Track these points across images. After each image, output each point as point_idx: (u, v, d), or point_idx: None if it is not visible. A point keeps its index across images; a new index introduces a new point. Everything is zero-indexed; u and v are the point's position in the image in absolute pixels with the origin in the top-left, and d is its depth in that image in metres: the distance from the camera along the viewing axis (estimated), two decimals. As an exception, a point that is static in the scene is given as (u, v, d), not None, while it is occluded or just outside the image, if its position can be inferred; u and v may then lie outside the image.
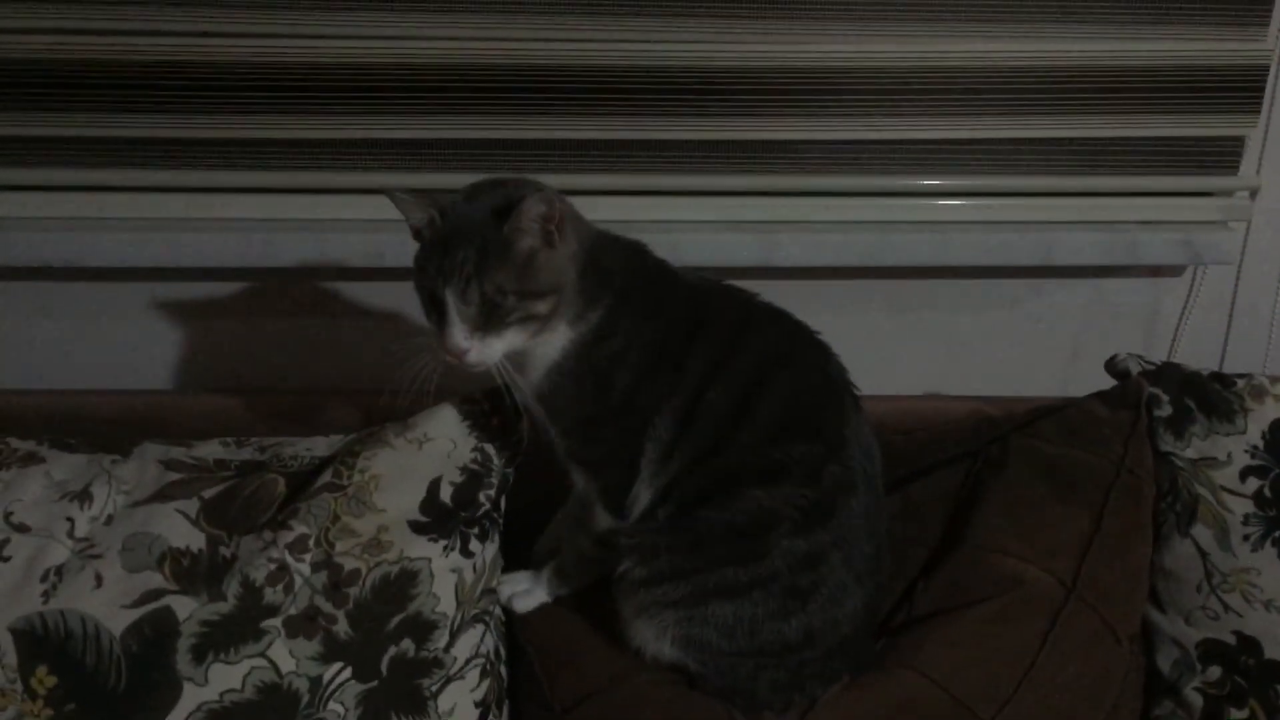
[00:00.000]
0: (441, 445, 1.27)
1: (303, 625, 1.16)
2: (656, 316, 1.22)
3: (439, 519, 1.23)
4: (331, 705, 1.16)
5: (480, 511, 1.27)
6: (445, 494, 1.24)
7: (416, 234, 1.19)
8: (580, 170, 1.59)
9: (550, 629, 1.31)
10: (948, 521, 1.37)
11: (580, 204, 1.58)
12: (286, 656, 1.15)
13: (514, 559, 1.37)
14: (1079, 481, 1.37)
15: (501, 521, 1.32)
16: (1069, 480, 1.37)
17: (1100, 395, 1.45)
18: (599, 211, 1.57)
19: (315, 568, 1.18)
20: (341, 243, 1.57)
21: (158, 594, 1.14)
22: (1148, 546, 1.38)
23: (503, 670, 1.31)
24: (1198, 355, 1.72)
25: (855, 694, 1.25)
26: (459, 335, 1.13)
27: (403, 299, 1.65)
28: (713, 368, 1.21)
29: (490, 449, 1.29)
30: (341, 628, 1.17)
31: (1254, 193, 1.66)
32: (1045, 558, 1.32)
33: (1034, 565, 1.31)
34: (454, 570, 1.24)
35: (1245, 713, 1.33)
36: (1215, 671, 1.35)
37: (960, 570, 1.32)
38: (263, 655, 1.14)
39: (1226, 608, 1.35)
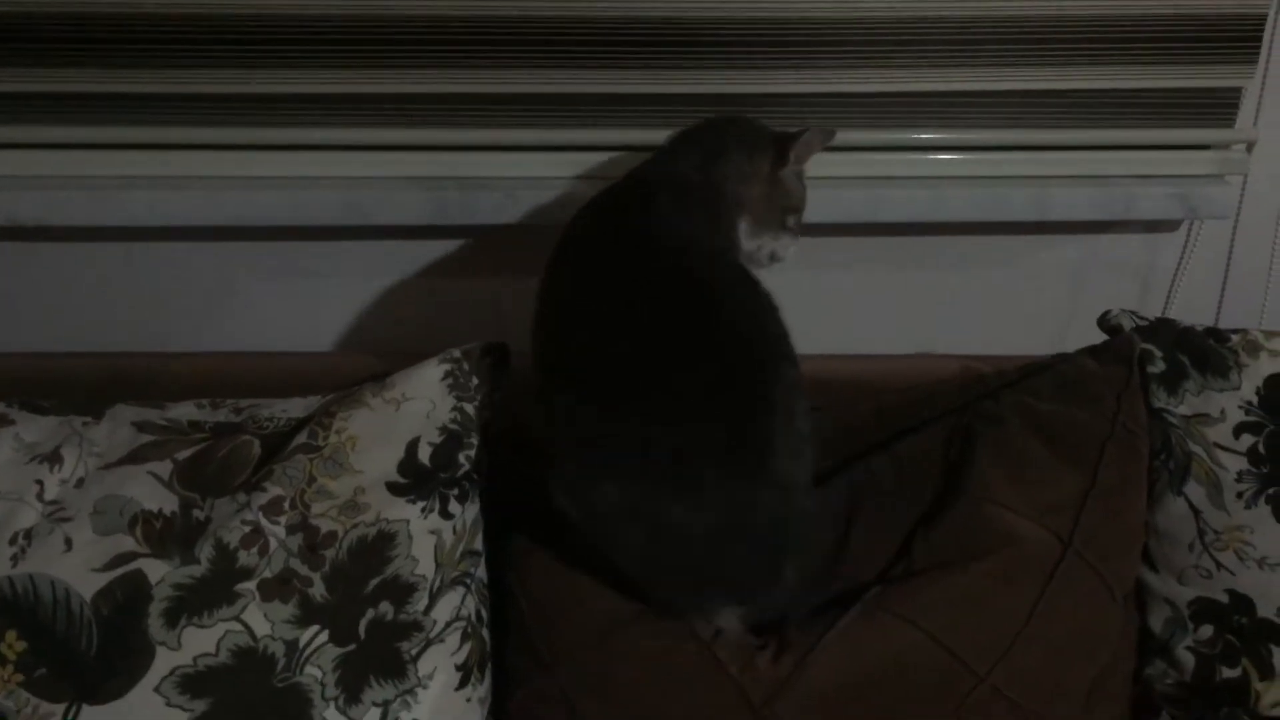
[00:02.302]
0: (420, 405, 1.24)
1: (278, 588, 1.14)
2: None
3: (417, 480, 1.21)
4: (308, 669, 1.14)
5: (460, 472, 1.24)
6: (424, 455, 1.22)
7: None
8: (551, 125, 1.56)
9: (548, 580, 1.29)
10: (942, 476, 1.35)
11: (554, 161, 1.57)
12: (261, 620, 1.13)
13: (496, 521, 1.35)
14: (1074, 438, 1.34)
15: (482, 482, 1.30)
16: (1064, 437, 1.35)
17: (1091, 350, 1.43)
18: (573, 168, 1.58)
19: (291, 530, 1.16)
20: (319, 201, 1.54)
21: (129, 557, 1.12)
22: (1143, 503, 1.36)
23: (485, 634, 1.29)
24: (1194, 311, 1.69)
25: (848, 645, 1.23)
26: None
27: (385, 258, 1.65)
28: None
29: (470, 408, 1.27)
30: (318, 590, 1.15)
31: (1251, 145, 1.63)
32: (1043, 514, 1.30)
33: (1031, 521, 1.29)
34: (433, 532, 1.22)
35: (1237, 671, 1.32)
36: (1207, 630, 1.34)
37: (958, 523, 1.30)
38: (237, 619, 1.13)
39: (1219, 566, 1.33)
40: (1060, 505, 1.31)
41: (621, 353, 1.13)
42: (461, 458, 1.24)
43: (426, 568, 1.21)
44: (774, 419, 1.14)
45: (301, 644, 1.14)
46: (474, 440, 1.26)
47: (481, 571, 1.30)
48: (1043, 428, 1.36)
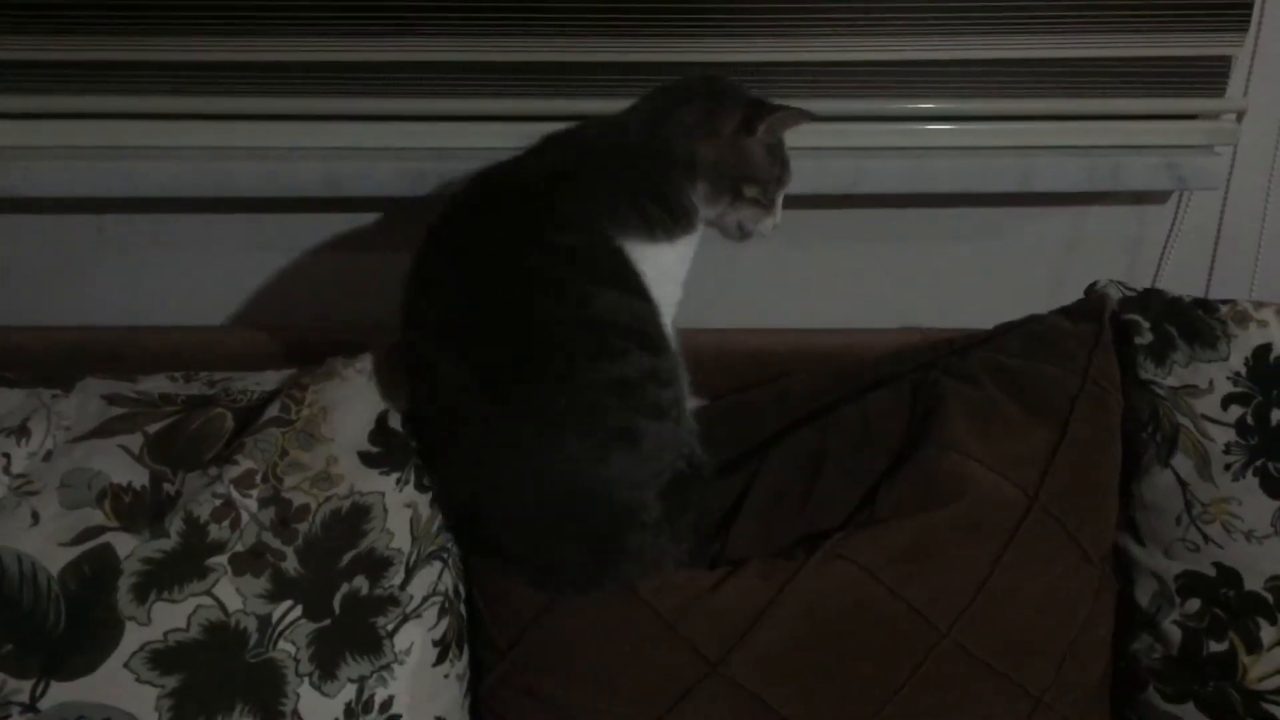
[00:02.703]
0: (391, 376, 1.22)
1: (250, 562, 1.12)
2: None
3: (390, 450, 1.19)
4: (282, 644, 1.12)
5: (433, 440, 1.22)
6: (395, 421, 1.20)
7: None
8: (513, 94, 1.54)
9: (490, 564, 1.28)
10: (908, 428, 1.33)
11: (513, 131, 1.54)
12: (233, 595, 1.11)
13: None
14: (1044, 393, 1.33)
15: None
16: (1033, 391, 1.34)
17: (1063, 310, 1.42)
18: (533, 139, 1.54)
19: (263, 503, 1.14)
20: (297, 172, 1.52)
21: (97, 531, 1.09)
22: (1116, 461, 1.34)
23: (462, 609, 1.28)
24: (1183, 284, 1.66)
25: (806, 597, 1.22)
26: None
27: (363, 230, 1.63)
28: None
29: None
30: (291, 565, 1.13)
31: (1241, 115, 1.61)
32: (1009, 466, 1.28)
33: (996, 474, 1.28)
34: (408, 505, 1.20)
35: (1224, 645, 1.31)
36: (1194, 604, 1.33)
37: (921, 473, 1.28)
38: (208, 593, 1.10)
39: (1206, 539, 1.32)
40: (1027, 459, 1.29)
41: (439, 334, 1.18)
42: None
43: (402, 541, 1.19)
44: (563, 415, 1.13)
45: (275, 619, 1.12)
46: None
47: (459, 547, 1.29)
48: (1012, 382, 1.35)
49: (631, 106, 1.29)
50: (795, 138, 1.51)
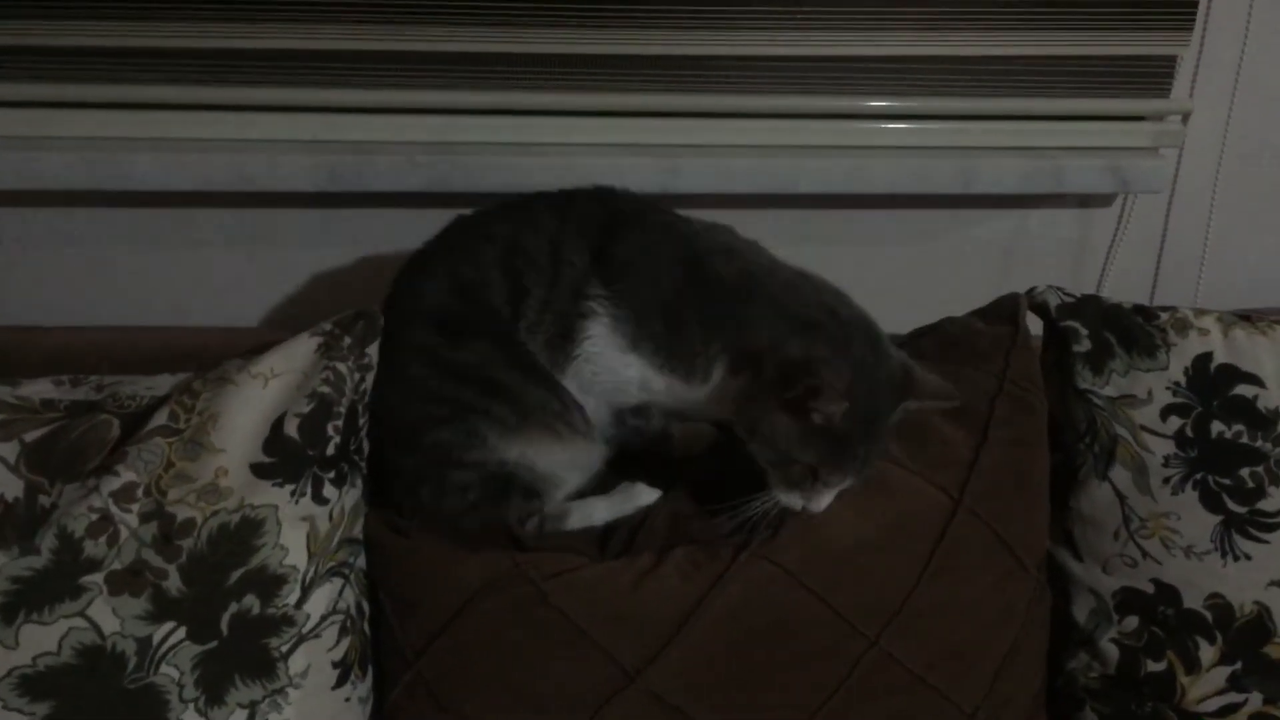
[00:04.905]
0: (289, 380, 1.15)
1: (127, 581, 1.06)
2: None
3: (286, 460, 1.12)
4: (164, 669, 1.06)
5: (331, 447, 1.15)
6: (291, 428, 1.13)
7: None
8: (461, 87, 1.47)
9: (398, 569, 1.23)
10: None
11: (460, 125, 1.49)
12: (109, 616, 1.05)
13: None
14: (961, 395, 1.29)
15: (363, 463, 1.22)
16: None
17: (978, 312, 1.39)
18: (478, 134, 1.49)
19: (144, 518, 1.07)
20: (201, 165, 1.45)
21: (-40, 547, 1.03)
22: (1045, 463, 1.31)
23: (366, 628, 1.22)
24: (1127, 291, 1.64)
25: (728, 604, 1.17)
26: (827, 501, 1.16)
27: (272, 227, 1.57)
28: None
29: (343, 367, 1.17)
30: (173, 583, 1.07)
31: (1186, 117, 1.58)
32: (931, 469, 1.24)
33: (919, 477, 1.24)
34: (304, 519, 1.13)
35: (1163, 665, 1.28)
36: (1132, 622, 1.30)
37: None
38: (82, 615, 1.04)
39: (1145, 554, 1.28)
40: (949, 461, 1.26)
41: None
42: (330, 429, 1.15)
43: (298, 557, 1.12)
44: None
45: (155, 641, 1.06)
46: (343, 409, 1.16)
47: (363, 561, 1.22)
48: None
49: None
50: (730, 135, 1.46)
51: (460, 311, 1.23)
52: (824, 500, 1.15)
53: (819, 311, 1.15)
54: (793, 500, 1.15)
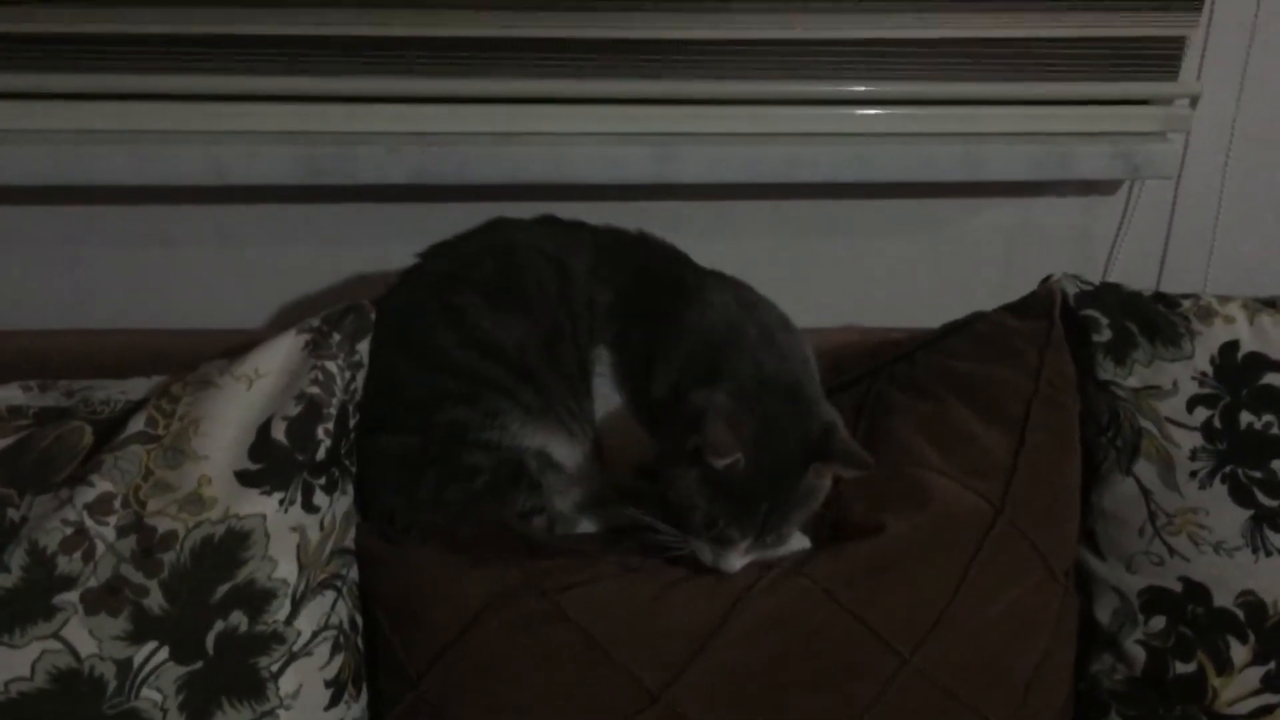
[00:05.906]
0: (275, 381, 1.11)
1: (105, 599, 1.01)
2: None
3: (273, 466, 1.08)
4: (146, 692, 1.01)
5: (321, 452, 1.10)
6: (278, 432, 1.08)
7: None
8: (447, 74, 1.43)
9: (397, 585, 1.17)
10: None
11: (445, 114, 1.43)
12: (86, 637, 1.00)
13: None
14: (997, 397, 1.27)
15: (354, 469, 1.17)
16: (986, 397, 1.27)
17: (1008, 307, 1.35)
18: (469, 123, 1.45)
19: (122, 532, 1.02)
20: (172, 157, 1.40)
21: (-74, 566, 0.98)
22: (1076, 466, 1.27)
23: (359, 643, 1.16)
24: (1134, 278, 1.60)
25: (758, 621, 1.13)
26: (736, 561, 1.14)
27: (249, 223, 1.53)
28: None
29: (333, 366, 1.13)
30: (155, 601, 1.02)
31: (1194, 100, 1.54)
32: (970, 476, 1.21)
33: (958, 483, 1.20)
34: (294, 529, 1.08)
35: (1192, 666, 1.24)
36: (1159, 622, 1.26)
37: (878, 489, 1.21)
38: (56, 636, 1.00)
39: (1172, 551, 1.25)
40: (988, 468, 1.23)
41: None
42: (320, 432, 1.10)
43: (288, 570, 1.07)
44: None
45: (137, 664, 1.02)
46: (333, 410, 1.12)
47: (355, 573, 1.17)
48: (963, 389, 1.29)
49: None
50: (728, 123, 1.42)
51: (509, 285, 1.24)
52: (732, 559, 1.14)
53: (747, 365, 1.19)
54: (703, 552, 1.15)
